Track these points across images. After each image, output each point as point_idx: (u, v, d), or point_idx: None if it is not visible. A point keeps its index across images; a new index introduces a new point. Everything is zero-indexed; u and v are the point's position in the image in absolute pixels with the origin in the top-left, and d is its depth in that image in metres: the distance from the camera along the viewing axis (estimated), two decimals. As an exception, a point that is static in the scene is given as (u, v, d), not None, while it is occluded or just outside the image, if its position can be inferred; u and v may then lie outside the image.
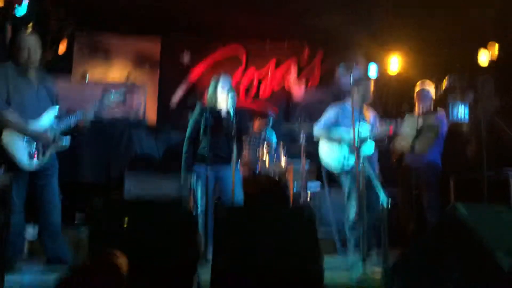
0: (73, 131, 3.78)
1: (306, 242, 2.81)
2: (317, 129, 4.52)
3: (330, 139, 4.44)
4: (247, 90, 7.42)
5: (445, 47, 6.18)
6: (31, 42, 3.68)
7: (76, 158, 4.91)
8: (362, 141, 4.33)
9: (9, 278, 3.14)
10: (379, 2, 5.67)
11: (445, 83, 4.64)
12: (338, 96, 6.71)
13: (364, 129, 4.37)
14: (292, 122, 6.11)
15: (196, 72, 7.24)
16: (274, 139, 6.07)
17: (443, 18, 5.79)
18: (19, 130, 3.49)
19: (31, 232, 4.18)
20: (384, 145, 4.52)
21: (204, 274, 2.84)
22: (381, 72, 6.94)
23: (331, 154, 4.44)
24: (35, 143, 3.57)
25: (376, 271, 3.60)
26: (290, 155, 5.69)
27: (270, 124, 6.07)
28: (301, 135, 5.44)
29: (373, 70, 6.82)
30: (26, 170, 3.53)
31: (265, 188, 5.27)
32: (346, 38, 7.02)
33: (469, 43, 5.98)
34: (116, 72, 6.88)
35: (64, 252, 3.78)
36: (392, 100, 7.29)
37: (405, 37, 6.48)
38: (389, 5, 5.65)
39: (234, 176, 4.04)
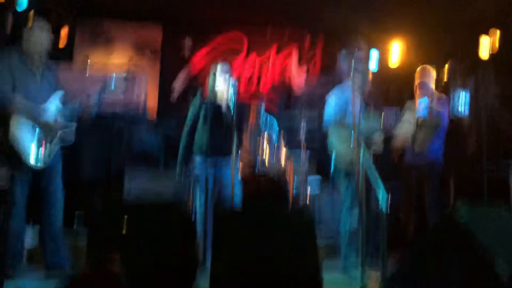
0: (76, 121, 3.77)
1: (305, 245, 2.81)
2: (330, 124, 4.25)
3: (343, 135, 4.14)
4: (249, 78, 7.40)
5: (446, 34, 6.14)
6: (46, 32, 3.66)
7: (76, 155, 4.86)
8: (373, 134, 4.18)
9: (9, 284, 3.18)
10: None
11: (446, 69, 4.59)
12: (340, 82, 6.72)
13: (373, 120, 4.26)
14: (293, 110, 6.08)
15: (197, 60, 7.23)
16: (275, 124, 6.05)
17: (445, 4, 5.75)
18: (29, 116, 3.45)
19: (29, 239, 4.15)
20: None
21: (203, 280, 2.86)
22: (383, 58, 6.93)
23: (343, 147, 4.16)
24: (42, 140, 3.53)
25: (375, 275, 3.62)
26: (290, 147, 5.65)
27: (263, 106, 6.02)
28: (302, 123, 5.41)
29: (374, 57, 6.86)
30: (32, 167, 3.49)
31: (265, 189, 5.25)
32: (347, 24, 6.98)
33: (471, 30, 5.94)
34: (117, 59, 6.86)
35: (64, 256, 3.74)
36: (393, 88, 7.27)
37: (407, 23, 6.45)
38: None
39: (234, 172, 3.98)
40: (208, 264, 3.54)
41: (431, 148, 4.47)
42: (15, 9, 4.87)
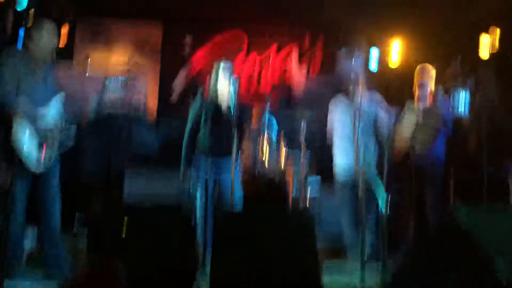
0: (76, 123, 3.77)
1: (305, 247, 2.83)
2: None
3: None
4: (250, 77, 7.40)
5: (447, 32, 6.14)
6: (53, 35, 3.66)
7: (75, 155, 4.84)
8: None
9: (9, 284, 3.15)
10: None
11: (447, 69, 4.58)
12: (340, 83, 6.73)
13: None
14: (293, 110, 6.08)
15: (197, 58, 7.23)
16: (274, 124, 6.04)
17: (445, 2, 5.76)
18: (30, 120, 3.43)
19: (29, 239, 4.13)
20: None
21: (203, 283, 2.89)
22: (383, 57, 6.93)
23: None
24: (43, 145, 3.52)
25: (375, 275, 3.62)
26: (290, 147, 5.64)
27: (267, 108, 6.03)
28: (302, 123, 5.41)
29: (374, 55, 6.87)
30: (32, 171, 3.48)
31: (264, 191, 5.24)
32: (348, 23, 6.99)
33: (471, 28, 5.94)
34: (117, 58, 6.86)
35: (64, 260, 3.71)
36: (393, 87, 7.27)
37: (407, 22, 6.45)
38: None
39: (234, 172, 3.99)
40: (208, 266, 3.58)
41: (432, 148, 4.45)
42: (16, 9, 4.85)
